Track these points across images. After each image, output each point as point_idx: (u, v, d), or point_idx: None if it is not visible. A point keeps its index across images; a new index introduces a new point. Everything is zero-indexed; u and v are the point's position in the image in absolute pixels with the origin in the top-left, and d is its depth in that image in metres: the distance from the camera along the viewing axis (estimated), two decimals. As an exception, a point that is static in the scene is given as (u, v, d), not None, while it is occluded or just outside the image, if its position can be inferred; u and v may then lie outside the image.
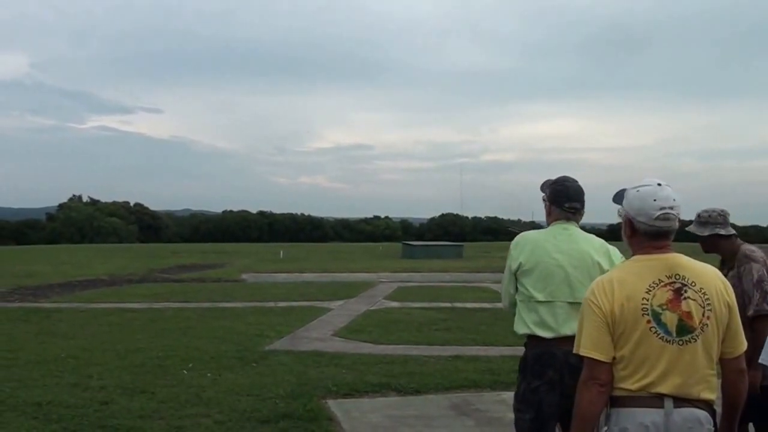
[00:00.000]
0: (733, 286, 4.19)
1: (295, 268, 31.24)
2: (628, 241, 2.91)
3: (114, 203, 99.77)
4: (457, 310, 15.87)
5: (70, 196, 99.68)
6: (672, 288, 2.73)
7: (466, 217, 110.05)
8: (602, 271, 3.70)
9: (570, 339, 3.30)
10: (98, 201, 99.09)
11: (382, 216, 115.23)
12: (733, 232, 4.60)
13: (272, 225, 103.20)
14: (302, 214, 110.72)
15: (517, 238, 4.05)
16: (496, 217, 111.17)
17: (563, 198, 3.99)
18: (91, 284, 22.89)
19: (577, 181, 4.06)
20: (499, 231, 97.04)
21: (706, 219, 4.62)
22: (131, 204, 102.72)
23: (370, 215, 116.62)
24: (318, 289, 21.40)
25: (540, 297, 3.85)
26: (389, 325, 13.31)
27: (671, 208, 2.75)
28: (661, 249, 2.80)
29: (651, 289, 2.72)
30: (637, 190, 2.81)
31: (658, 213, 2.75)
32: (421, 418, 6.97)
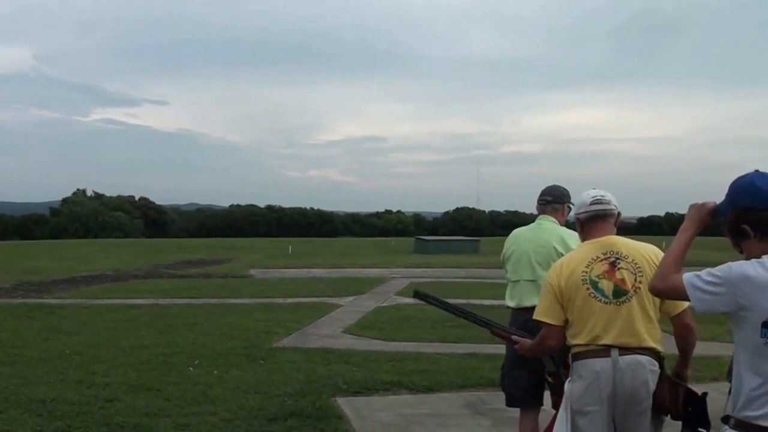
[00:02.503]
0: None
1: (305, 264, 31.21)
2: (581, 237, 3.79)
3: (119, 197, 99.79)
4: (473, 307, 15.57)
5: (75, 190, 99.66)
6: (608, 262, 3.52)
7: (483, 211, 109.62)
8: (558, 254, 4.65)
9: (529, 309, 4.42)
10: (103, 195, 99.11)
11: (394, 210, 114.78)
12: None
13: (281, 219, 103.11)
14: (312, 209, 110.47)
15: (511, 233, 5.27)
16: (516, 212, 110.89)
17: (540, 195, 5.11)
18: (96, 280, 22.88)
19: (557, 186, 5.15)
20: (519, 226, 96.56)
21: None
22: (136, 198, 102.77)
23: (381, 209, 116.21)
24: (328, 285, 21.32)
25: (513, 277, 5.03)
26: (401, 322, 13.17)
27: (602, 196, 3.66)
28: (602, 233, 3.63)
29: (590, 263, 3.51)
30: (590, 190, 3.73)
31: (591, 199, 3.67)
32: (435, 417, 6.85)
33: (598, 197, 3.67)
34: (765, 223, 2.56)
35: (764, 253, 2.54)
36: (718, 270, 2.57)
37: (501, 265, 5.27)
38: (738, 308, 2.52)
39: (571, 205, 5.04)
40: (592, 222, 3.67)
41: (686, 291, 2.63)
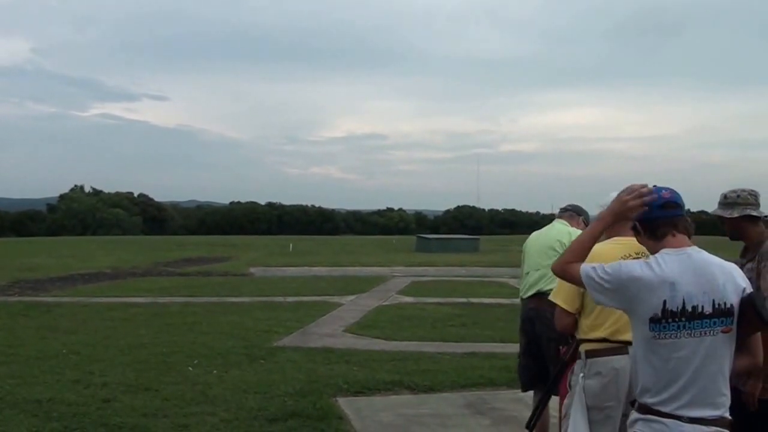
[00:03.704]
0: (749, 279, 3.84)
1: (305, 262, 31.18)
2: (608, 231, 3.60)
3: (117, 194, 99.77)
4: (473, 306, 15.75)
5: (72, 186, 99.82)
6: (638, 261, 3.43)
7: (483, 210, 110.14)
8: (562, 245, 5.12)
9: (530, 298, 5.39)
10: (101, 191, 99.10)
11: (396, 208, 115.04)
12: (766, 214, 4.09)
13: (282, 217, 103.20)
14: (313, 206, 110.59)
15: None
16: (513, 210, 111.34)
17: (564, 206, 5.70)
18: (94, 278, 22.82)
19: (579, 205, 5.70)
20: (517, 224, 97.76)
21: (734, 199, 4.07)
22: (135, 195, 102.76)
23: (383, 207, 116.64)
24: (329, 283, 21.31)
25: (525, 270, 5.54)
26: (402, 321, 13.16)
27: None
28: (630, 234, 3.39)
29: (623, 258, 3.32)
30: (614, 192, 3.56)
31: None
32: (435, 417, 6.83)
33: None
34: (651, 226, 2.85)
35: (655, 250, 2.81)
36: (610, 267, 2.81)
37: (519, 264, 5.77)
38: (628, 304, 2.77)
39: (586, 221, 5.55)
40: (624, 221, 3.59)
41: (582, 281, 2.87)
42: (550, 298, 3.79)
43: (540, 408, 4.11)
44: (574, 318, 3.67)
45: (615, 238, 3.64)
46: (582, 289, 3.42)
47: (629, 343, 3.31)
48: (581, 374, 3.58)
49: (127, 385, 7.67)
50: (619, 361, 3.47)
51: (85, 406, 6.82)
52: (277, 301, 16.28)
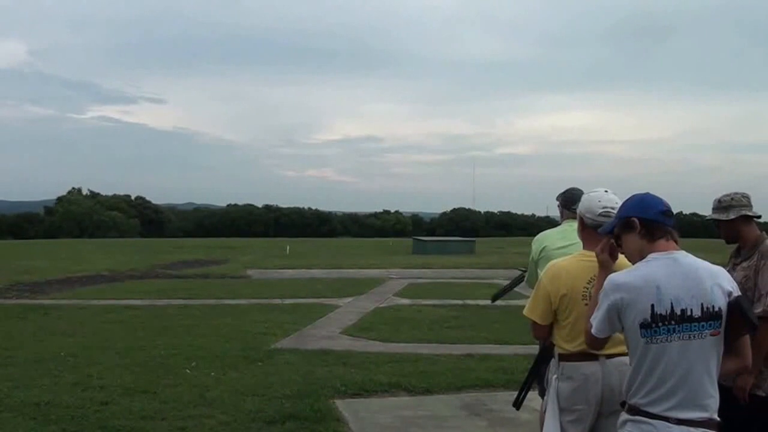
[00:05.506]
0: (745, 277, 4.01)
1: (302, 264, 31.06)
2: (580, 235, 3.77)
3: (115, 196, 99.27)
4: (469, 308, 15.75)
5: (70, 188, 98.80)
6: None
7: (479, 212, 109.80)
8: None
9: None
10: (98, 194, 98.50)
11: (392, 210, 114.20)
12: (759, 214, 4.26)
13: (278, 219, 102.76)
14: (309, 209, 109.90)
15: (538, 235, 5.17)
16: (509, 212, 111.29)
17: (570, 202, 4.96)
18: (91, 280, 22.73)
19: (581, 190, 4.90)
20: (512, 226, 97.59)
21: (728, 202, 4.23)
22: (133, 197, 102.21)
23: (379, 209, 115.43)
24: (326, 285, 21.23)
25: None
26: (399, 323, 13.17)
27: (612, 208, 3.53)
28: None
29: (591, 281, 3.50)
30: (588, 194, 3.74)
31: (601, 210, 3.60)
32: (432, 419, 6.85)
33: (608, 209, 3.57)
34: (651, 226, 2.88)
35: (643, 249, 2.87)
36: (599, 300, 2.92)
37: (528, 266, 5.31)
38: (621, 317, 2.82)
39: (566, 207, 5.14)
40: (594, 231, 3.57)
41: (596, 330, 2.93)
42: (526, 313, 3.74)
43: (526, 387, 4.07)
44: (549, 326, 3.70)
45: (584, 251, 3.65)
46: (554, 306, 3.63)
47: (600, 355, 3.51)
48: (555, 376, 3.65)
49: (124, 387, 7.68)
50: (589, 367, 3.52)
51: (83, 408, 6.83)
52: (275, 304, 16.27)
